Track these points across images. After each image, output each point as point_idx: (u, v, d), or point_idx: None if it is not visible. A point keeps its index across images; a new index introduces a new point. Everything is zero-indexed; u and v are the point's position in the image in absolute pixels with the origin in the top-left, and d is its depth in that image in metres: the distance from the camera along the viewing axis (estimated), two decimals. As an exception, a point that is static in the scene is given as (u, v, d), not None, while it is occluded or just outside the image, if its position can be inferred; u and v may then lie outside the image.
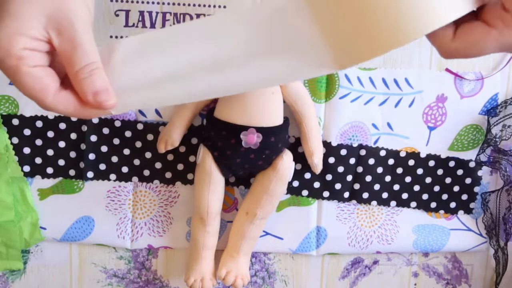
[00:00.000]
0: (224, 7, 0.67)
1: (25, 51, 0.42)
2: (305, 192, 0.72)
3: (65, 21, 0.43)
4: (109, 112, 0.47)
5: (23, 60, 0.42)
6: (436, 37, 0.46)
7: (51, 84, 0.44)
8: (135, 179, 0.71)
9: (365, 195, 0.73)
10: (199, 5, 0.66)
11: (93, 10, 0.46)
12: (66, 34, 0.43)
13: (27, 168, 0.69)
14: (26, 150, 0.69)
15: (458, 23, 0.46)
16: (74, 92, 0.45)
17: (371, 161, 0.72)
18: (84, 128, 0.69)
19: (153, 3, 0.66)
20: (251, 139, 0.64)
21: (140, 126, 0.69)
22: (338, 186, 0.72)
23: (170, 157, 0.70)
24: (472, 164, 0.73)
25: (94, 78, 0.44)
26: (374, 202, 0.73)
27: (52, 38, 0.43)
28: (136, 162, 0.70)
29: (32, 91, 0.43)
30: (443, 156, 0.73)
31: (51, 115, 0.68)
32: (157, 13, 0.66)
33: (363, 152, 0.71)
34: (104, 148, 0.69)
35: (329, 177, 0.71)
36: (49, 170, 0.70)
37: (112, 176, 0.70)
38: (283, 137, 0.67)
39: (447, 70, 0.70)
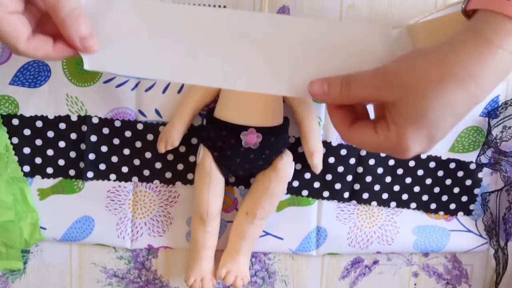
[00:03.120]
0: (224, 7, 0.66)
1: None
2: (305, 192, 0.72)
3: None
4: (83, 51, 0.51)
5: (2, 7, 0.46)
6: (335, 124, 0.52)
7: (24, 31, 0.48)
8: (135, 179, 0.71)
9: (365, 196, 0.73)
10: (199, 5, 0.66)
11: None
12: None
13: (27, 168, 0.69)
14: (26, 150, 0.69)
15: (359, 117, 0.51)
16: (44, 38, 0.50)
17: (372, 162, 0.71)
18: (84, 128, 0.69)
19: (153, 3, 0.66)
20: (251, 139, 0.64)
21: (140, 126, 0.69)
22: (338, 186, 0.72)
23: (170, 157, 0.70)
24: (472, 166, 0.73)
25: (79, 25, 0.48)
26: (374, 203, 0.73)
27: None
28: (136, 162, 0.70)
29: (7, 36, 0.47)
30: (443, 158, 0.73)
31: (51, 115, 0.68)
32: (157, 13, 0.66)
33: (363, 152, 0.71)
34: (104, 148, 0.69)
35: (329, 177, 0.71)
36: (49, 170, 0.70)
37: (112, 176, 0.70)
38: (283, 137, 0.67)
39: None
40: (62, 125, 0.69)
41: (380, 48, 0.51)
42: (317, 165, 0.68)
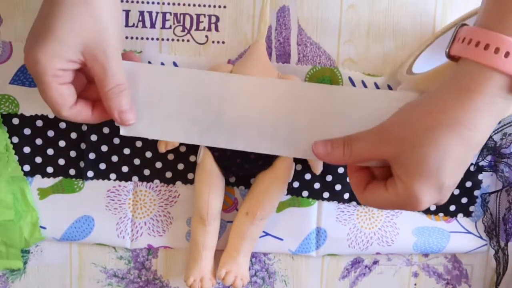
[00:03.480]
0: (224, 7, 0.66)
1: (60, 71, 0.51)
2: (305, 193, 0.72)
3: (100, 49, 0.51)
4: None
5: (56, 78, 0.51)
6: (353, 187, 0.55)
7: (70, 100, 0.54)
8: (135, 178, 0.71)
9: (365, 196, 0.72)
10: (199, 5, 0.66)
11: (122, 38, 0.57)
12: (99, 60, 0.52)
13: (27, 168, 0.69)
14: (26, 150, 0.69)
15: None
16: (84, 105, 0.56)
17: (372, 162, 0.71)
18: (85, 127, 0.69)
19: (153, 3, 0.66)
20: (252, 139, 0.64)
21: (140, 126, 0.69)
22: (338, 187, 0.71)
23: (170, 156, 0.70)
24: (472, 168, 0.73)
25: (121, 99, 0.54)
26: (374, 204, 0.73)
27: (87, 62, 0.52)
28: (136, 161, 0.70)
29: (54, 103, 0.53)
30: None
31: (51, 115, 0.68)
32: (157, 13, 0.66)
33: (363, 152, 0.71)
34: (104, 148, 0.69)
35: (329, 178, 0.71)
36: (49, 170, 0.70)
37: (112, 176, 0.70)
38: (284, 137, 0.67)
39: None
40: (62, 125, 0.69)
41: (384, 109, 0.53)
42: (318, 166, 0.68)
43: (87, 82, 0.58)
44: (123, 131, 0.58)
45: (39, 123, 0.68)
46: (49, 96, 0.52)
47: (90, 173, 0.70)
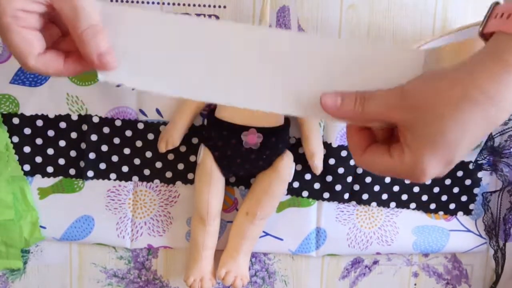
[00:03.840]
0: (224, 7, 0.66)
1: (20, 12, 0.45)
2: (305, 193, 0.72)
3: None
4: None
5: (16, 20, 0.45)
6: (351, 147, 0.50)
7: (36, 47, 0.47)
8: (135, 178, 0.71)
9: (365, 196, 0.72)
10: (199, 5, 0.66)
11: None
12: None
13: (27, 167, 0.69)
14: (26, 149, 0.69)
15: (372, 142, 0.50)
16: (55, 54, 0.49)
17: (372, 162, 0.71)
18: (85, 127, 0.69)
19: (153, 3, 0.66)
20: (252, 140, 0.64)
21: (140, 126, 0.69)
22: (338, 187, 0.71)
23: (170, 156, 0.70)
24: (472, 166, 0.73)
25: (98, 40, 0.47)
26: (373, 203, 0.73)
27: (54, 3, 0.46)
28: (137, 161, 0.70)
29: (18, 51, 0.47)
30: (443, 158, 0.73)
31: (51, 114, 0.68)
32: (157, 13, 0.66)
33: (363, 152, 0.71)
34: (104, 147, 0.69)
35: (329, 178, 0.71)
36: (49, 169, 0.70)
37: (112, 175, 0.70)
38: (284, 137, 0.67)
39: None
40: (63, 124, 0.69)
41: (398, 70, 0.49)
42: (318, 166, 0.68)
43: (61, 35, 0.52)
44: (101, 76, 0.50)
45: (39, 122, 0.68)
46: (11, 41, 0.46)
47: (90, 173, 0.70)
